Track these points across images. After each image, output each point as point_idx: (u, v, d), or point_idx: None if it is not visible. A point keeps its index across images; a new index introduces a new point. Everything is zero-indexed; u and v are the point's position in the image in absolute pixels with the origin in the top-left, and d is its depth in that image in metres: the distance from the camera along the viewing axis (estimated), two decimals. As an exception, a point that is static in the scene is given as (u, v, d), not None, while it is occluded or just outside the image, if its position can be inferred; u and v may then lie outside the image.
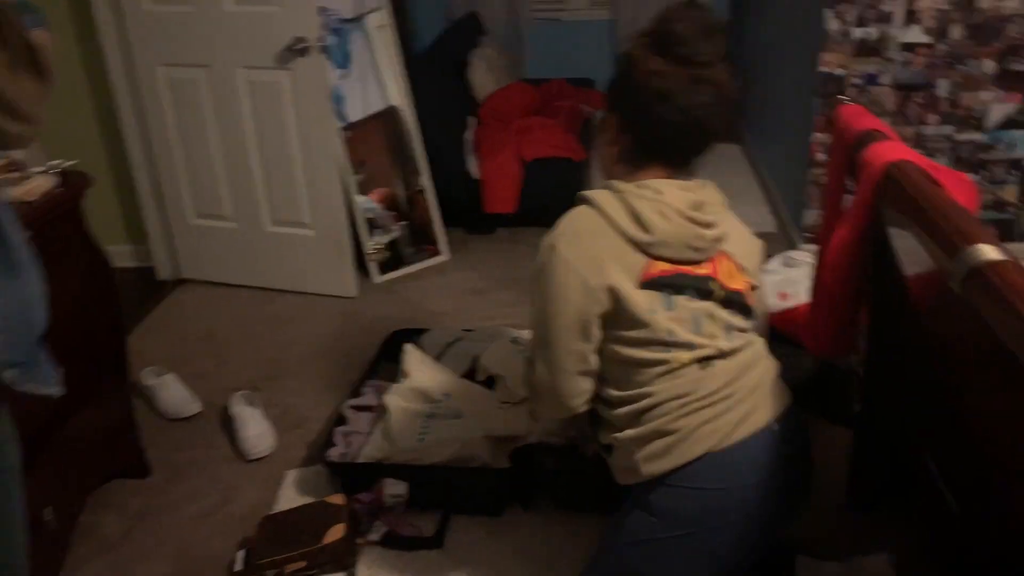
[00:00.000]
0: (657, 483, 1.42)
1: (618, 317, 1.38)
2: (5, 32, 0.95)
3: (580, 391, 1.45)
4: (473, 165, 3.64)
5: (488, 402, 2.26)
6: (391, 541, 1.97)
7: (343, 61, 3.19)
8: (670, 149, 1.43)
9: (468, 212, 3.65)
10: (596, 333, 1.40)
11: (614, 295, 1.36)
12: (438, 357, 2.49)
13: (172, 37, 3.00)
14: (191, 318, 3.13)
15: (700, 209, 1.41)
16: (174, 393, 2.53)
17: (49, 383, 1.06)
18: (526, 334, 2.54)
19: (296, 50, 2.85)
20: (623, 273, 1.36)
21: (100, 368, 2.12)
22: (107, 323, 2.13)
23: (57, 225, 1.91)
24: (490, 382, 2.37)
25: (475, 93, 4.07)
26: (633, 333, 1.38)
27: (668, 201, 1.38)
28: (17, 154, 2.01)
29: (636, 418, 1.42)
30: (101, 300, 2.10)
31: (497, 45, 4.32)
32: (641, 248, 1.37)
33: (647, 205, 1.37)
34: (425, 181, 3.42)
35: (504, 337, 2.57)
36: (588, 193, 1.42)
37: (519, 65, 4.52)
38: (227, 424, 2.45)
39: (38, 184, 1.92)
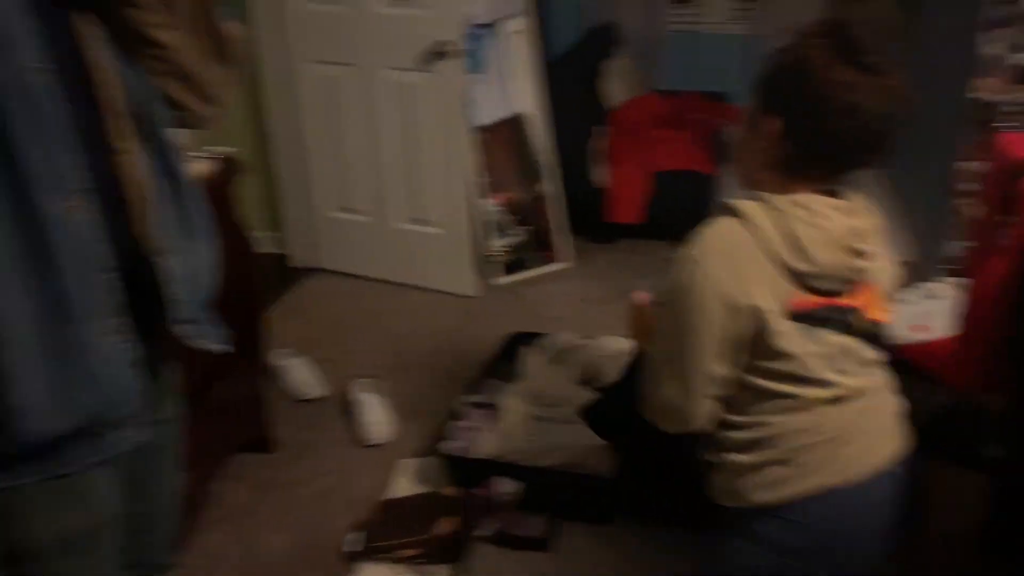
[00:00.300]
0: (763, 512, 1.36)
1: (757, 345, 1.29)
2: (207, 22, 1.04)
3: (707, 413, 1.37)
4: (600, 174, 3.65)
5: (603, 411, 2.26)
6: (500, 539, 2.00)
7: (476, 66, 3.26)
8: (840, 163, 1.32)
9: (591, 221, 3.66)
10: (734, 357, 1.31)
11: (759, 320, 1.27)
12: (556, 362, 2.51)
13: (323, 35, 3.14)
14: (321, 305, 3.26)
15: (860, 237, 1.31)
16: (302, 375, 2.65)
17: (218, 340, 1.15)
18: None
19: (438, 53, 2.94)
20: (770, 300, 1.27)
21: (238, 345, 2.23)
22: (247, 303, 2.25)
23: (210, 207, 2.04)
24: (606, 391, 2.37)
25: (607, 102, 4.07)
26: (770, 364, 1.30)
27: (830, 228, 1.27)
28: (180, 138, 2.15)
29: (751, 445, 1.36)
30: (243, 281, 2.21)
31: (631, 55, 4.31)
32: (793, 277, 1.27)
33: (808, 231, 1.26)
34: (548, 187, 3.45)
35: (622, 349, 2.56)
36: (737, 204, 1.30)
37: (652, 76, 4.49)
38: (349, 409, 2.54)
39: (197, 167, 2.04)
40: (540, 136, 3.42)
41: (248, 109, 3.40)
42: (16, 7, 0.84)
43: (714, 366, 1.30)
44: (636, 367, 2.04)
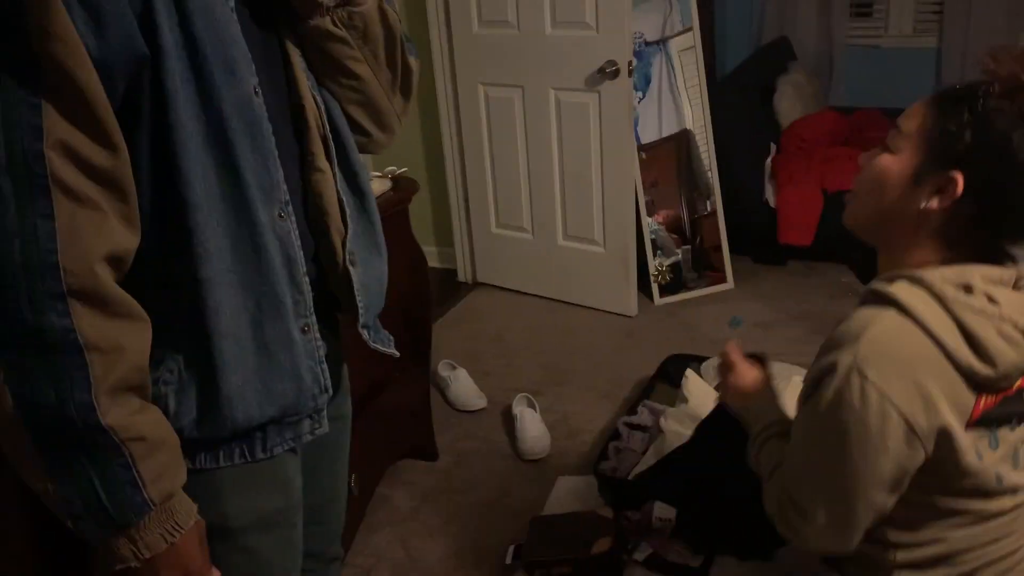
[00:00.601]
0: None
1: (938, 465, 1.09)
2: (397, 57, 1.12)
3: (860, 539, 1.16)
4: (770, 193, 3.54)
5: (767, 439, 2.19)
6: (655, 564, 1.96)
7: (642, 83, 3.26)
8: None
9: (759, 241, 3.55)
10: (907, 483, 1.10)
11: (943, 439, 1.06)
12: (719, 387, 2.45)
13: (493, 59, 3.24)
14: (484, 319, 3.35)
15: None
16: (464, 387, 2.73)
17: (391, 345, 1.24)
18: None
19: (607, 73, 2.96)
20: (954, 413, 1.06)
21: (407, 354, 2.34)
22: (418, 315, 2.35)
23: (388, 224, 2.14)
24: (771, 419, 2.29)
25: (779, 119, 3.95)
26: (951, 481, 1.11)
27: (1009, 316, 1.07)
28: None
29: (928, 563, 1.17)
30: (416, 294, 2.32)
31: (807, 71, 4.16)
32: (974, 381, 1.06)
33: (986, 325, 1.05)
34: (714, 206, 3.39)
35: (789, 376, 2.46)
36: (898, 295, 1.06)
37: (829, 92, 4.31)
38: (508, 422, 2.59)
39: (375, 187, 2.16)
40: (706, 154, 3.36)
41: (423, 131, 3.55)
42: (239, 34, 0.93)
43: (882, 497, 1.09)
44: (695, 450, 1.84)
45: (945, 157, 1.08)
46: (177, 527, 0.93)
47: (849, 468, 1.08)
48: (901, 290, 1.07)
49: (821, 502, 1.12)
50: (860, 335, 1.06)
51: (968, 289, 1.07)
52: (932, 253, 1.12)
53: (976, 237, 1.11)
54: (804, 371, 2.53)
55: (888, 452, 1.05)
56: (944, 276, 1.08)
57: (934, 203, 1.09)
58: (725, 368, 1.36)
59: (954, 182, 1.07)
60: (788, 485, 1.17)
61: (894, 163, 1.13)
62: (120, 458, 0.88)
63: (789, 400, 2.27)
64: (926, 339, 1.05)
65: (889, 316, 1.06)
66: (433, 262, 3.68)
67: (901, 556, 1.17)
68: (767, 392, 1.34)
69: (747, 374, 1.35)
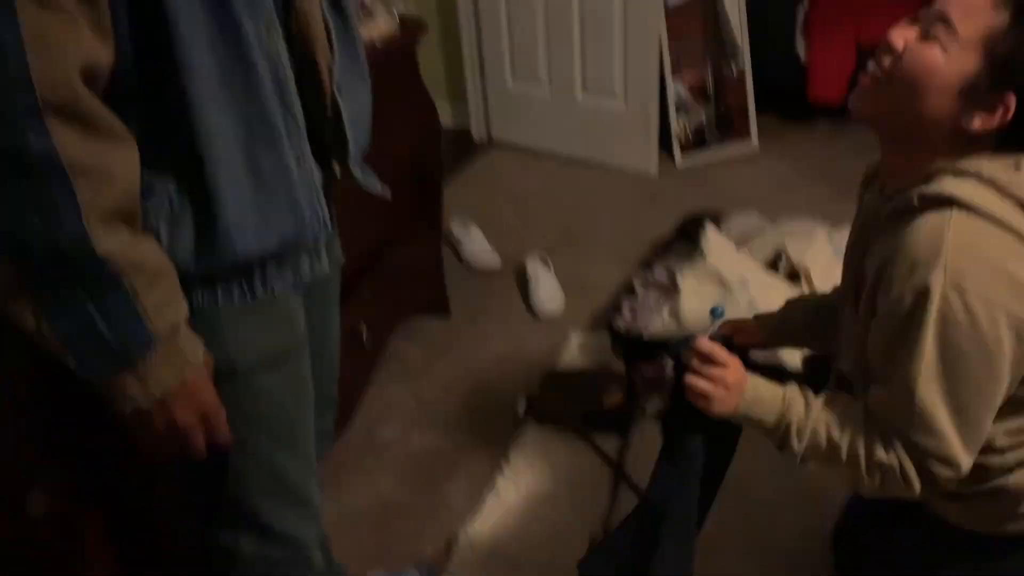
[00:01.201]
0: None
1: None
2: None
3: None
4: (801, 47, 3.34)
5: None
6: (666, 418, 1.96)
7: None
8: None
9: (787, 97, 3.39)
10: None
11: None
12: (739, 244, 2.38)
13: None
14: (499, 178, 3.25)
15: None
16: (478, 245, 2.68)
17: (380, 188, 1.18)
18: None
19: (631, -91, 2.74)
20: None
21: (418, 209, 2.27)
22: (429, 168, 2.27)
23: (395, 71, 2.03)
24: (795, 277, 2.23)
25: (814, -33, 3.70)
26: None
27: None
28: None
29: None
30: (426, 145, 2.23)
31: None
32: None
33: None
34: (742, 66, 3.21)
35: (818, 234, 2.37)
36: (955, 192, 1.00)
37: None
38: (522, 281, 2.55)
39: (380, 25, 2.02)
40: (735, 8, 3.16)
41: (433, -25, 3.35)
42: None
43: (1000, 401, 1.05)
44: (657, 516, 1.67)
45: (1010, 79, 0.98)
46: (186, 362, 0.90)
47: (975, 388, 1.02)
48: (952, 186, 1.00)
49: (959, 438, 1.04)
50: (938, 249, 0.98)
51: (1016, 166, 1.02)
52: (954, 158, 1.04)
53: (1004, 143, 1.03)
54: (827, 229, 2.43)
55: (1006, 356, 1.00)
56: (996, 166, 1.02)
57: (977, 123, 1.01)
58: (708, 365, 1.15)
59: (1007, 106, 0.99)
60: (918, 440, 1.05)
61: (942, 64, 1.00)
62: (119, 289, 0.83)
63: (813, 260, 2.21)
64: (998, 229, 0.99)
65: (956, 218, 0.99)
66: (446, 120, 3.55)
67: (1001, 461, 1.12)
68: (753, 378, 1.18)
69: (738, 366, 1.17)
